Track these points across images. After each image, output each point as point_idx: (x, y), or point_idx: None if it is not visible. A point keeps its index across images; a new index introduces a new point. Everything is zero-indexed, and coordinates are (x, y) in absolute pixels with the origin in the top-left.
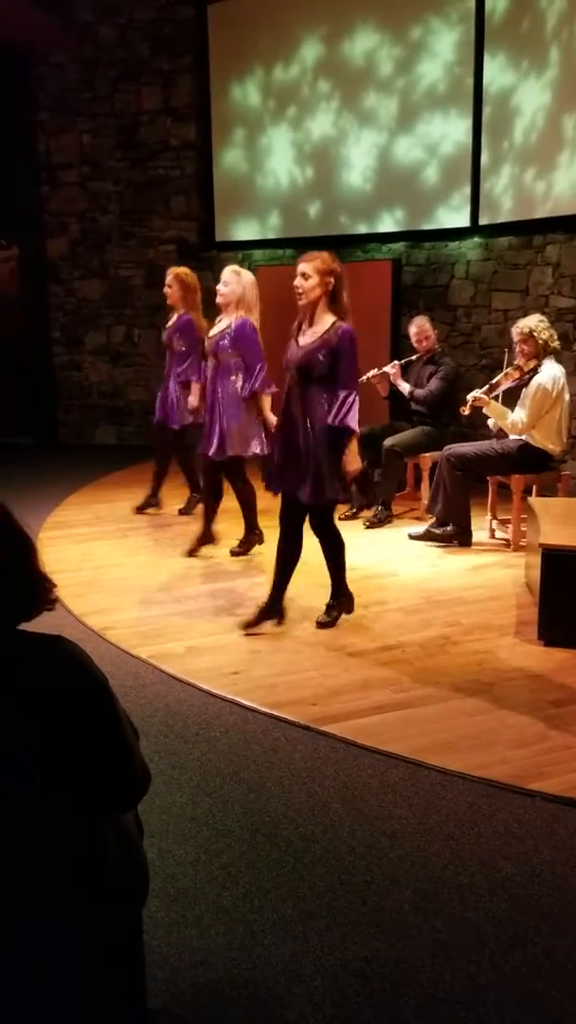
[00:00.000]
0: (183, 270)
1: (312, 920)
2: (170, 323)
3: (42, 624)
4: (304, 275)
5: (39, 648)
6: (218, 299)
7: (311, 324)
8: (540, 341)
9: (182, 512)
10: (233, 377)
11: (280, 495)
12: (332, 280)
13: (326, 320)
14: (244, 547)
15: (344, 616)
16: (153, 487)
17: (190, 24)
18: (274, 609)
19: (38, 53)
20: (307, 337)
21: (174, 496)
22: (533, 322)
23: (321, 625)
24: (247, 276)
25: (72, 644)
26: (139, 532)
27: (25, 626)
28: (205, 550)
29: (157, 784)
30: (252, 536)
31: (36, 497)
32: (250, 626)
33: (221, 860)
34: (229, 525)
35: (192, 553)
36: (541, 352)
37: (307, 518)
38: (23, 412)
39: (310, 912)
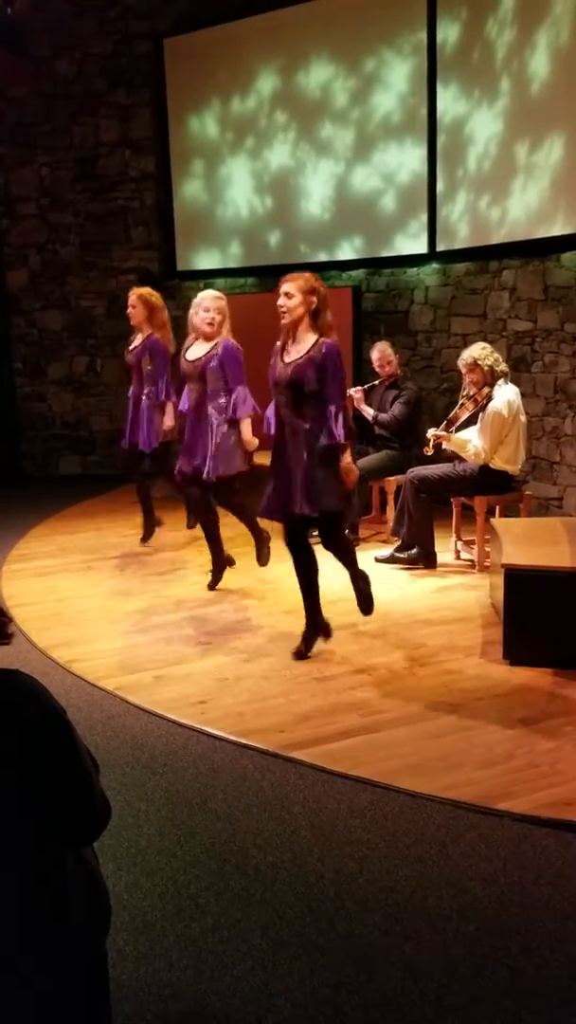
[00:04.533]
0: (146, 290)
1: (282, 948)
2: (135, 344)
3: (5, 658)
4: (287, 295)
5: None
6: (206, 328)
7: (295, 342)
8: (485, 368)
9: (144, 541)
10: (223, 399)
11: (279, 520)
12: (315, 299)
13: (309, 338)
14: (265, 554)
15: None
16: (146, 519)
17: (147, 58)
18: (316, 627)
19: None
20: (292, 355)
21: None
22: (476, 351)
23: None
24: (223, 299)
25: (27, 677)
26: (104, 563)
27: None
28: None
29: (124, 816)
30: (262, 540)
31: None
32: (301, 655)
33: (189, 891)
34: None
35: (213, 586)
36: (489, 378)
37: (319, 535)
38: None
39: (279, 941)
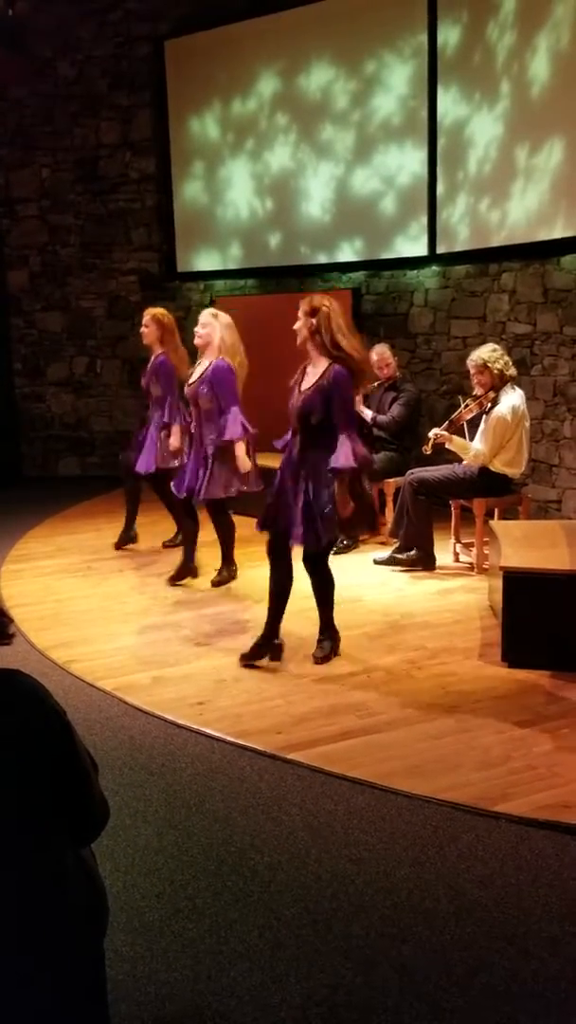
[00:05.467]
0: (160, 311)
1: (279, 950)
2: (148, 366)
3: (4, 659)
4: (298, 317)
5: None
6: (196, 340)
7: (312, 366)
8: (495, 371)
9: (166, 545)
10: (217, 421)
11: (268, 530)
12: (314, 320)
13: (322, 364)
14: (222, 578)
15: (309, 642)
16: (127, 522)
17: (148, 60)
18: (270, 643)
19: None
20: (307, 382)
21: (147, 531)
22: (486, 353)
23: (318, 660)
24: (224, 318)
25: (28, 677)
26: (103, 564)
27: None
28: (186, 581)
29: (122, 817)
30: (229, 569)
31: None
32: (247, 658)
33: (187, 892)
34: (205, 556)
35: (173, 582)
36: (497, 381)
37: (301, 555)
38: None
39: (277, 942)
